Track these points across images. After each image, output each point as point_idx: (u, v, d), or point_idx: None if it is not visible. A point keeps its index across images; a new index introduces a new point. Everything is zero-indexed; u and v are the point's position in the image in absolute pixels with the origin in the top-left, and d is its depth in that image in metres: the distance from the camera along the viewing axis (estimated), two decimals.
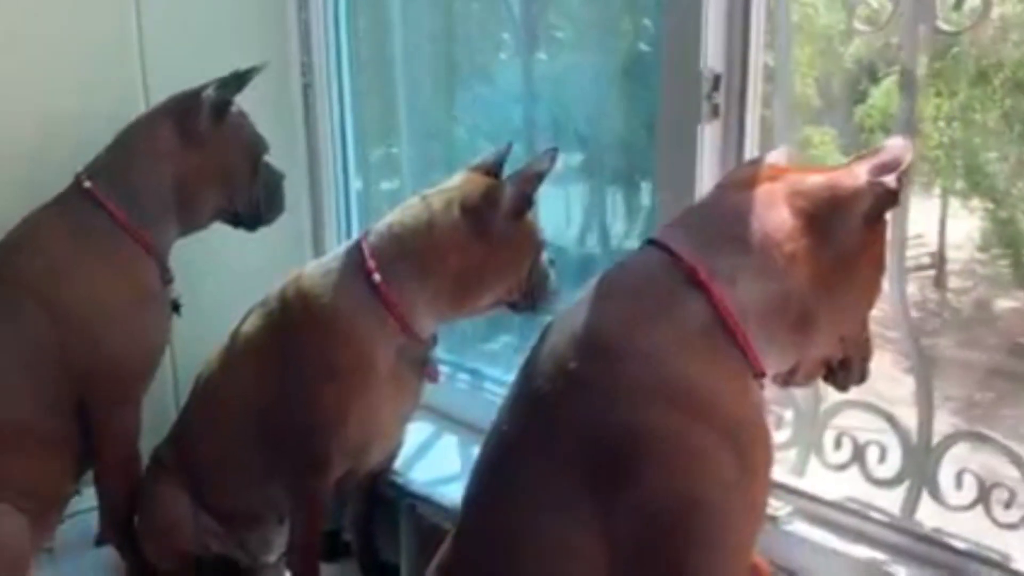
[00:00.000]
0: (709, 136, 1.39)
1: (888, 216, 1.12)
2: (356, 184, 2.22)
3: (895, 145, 1.11)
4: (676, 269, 1.06)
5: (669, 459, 1.01)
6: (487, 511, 1.12)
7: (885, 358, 1.60)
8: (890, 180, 1.07)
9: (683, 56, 1.37)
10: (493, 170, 1.52)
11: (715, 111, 1.38)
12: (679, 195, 1.40)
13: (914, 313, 1.75)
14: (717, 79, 1.37)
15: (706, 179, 1.40)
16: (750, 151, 1.40)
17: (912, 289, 2.21)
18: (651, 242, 1.11)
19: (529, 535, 1.05)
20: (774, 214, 1.07)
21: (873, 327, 1.57)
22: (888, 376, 1.53)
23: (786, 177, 1.11)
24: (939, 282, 2.63)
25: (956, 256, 2.59)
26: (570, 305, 1.12)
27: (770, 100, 1.43)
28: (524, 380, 1.11)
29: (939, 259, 2.61)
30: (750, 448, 1.04)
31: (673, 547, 1.01)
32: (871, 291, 1.16)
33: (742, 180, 1.15)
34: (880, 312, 1.40)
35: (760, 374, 1.08)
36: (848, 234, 1.08)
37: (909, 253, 2.22)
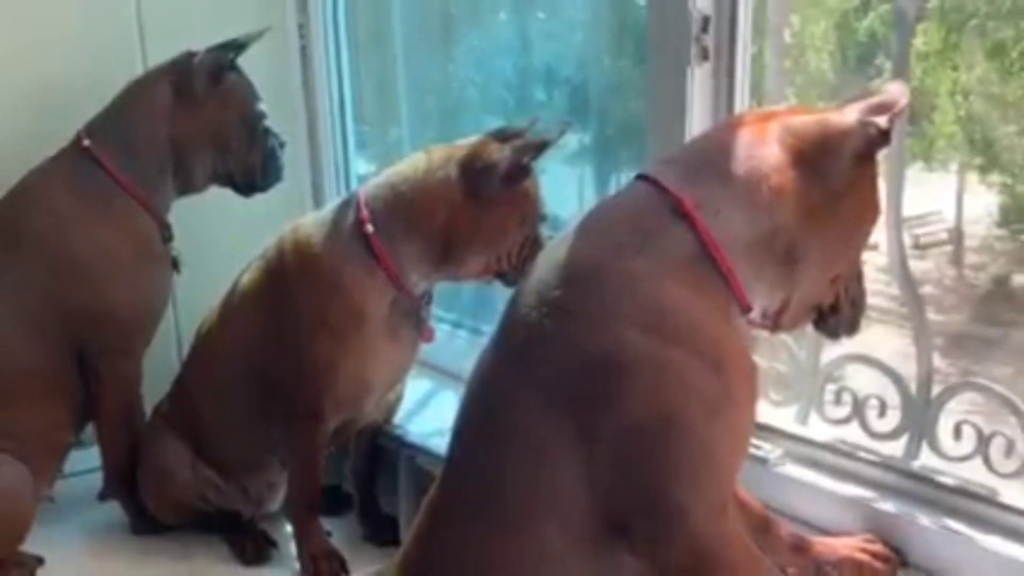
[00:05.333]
0: (699, 79, 1.38)
1: (884, 192, 1.14)
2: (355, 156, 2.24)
3: (892, 88, 1.11)
4: (662, 200, 1.06)
5: (649, 383, 1.01)
6: (473, 441, 1.13)
7: (899, 335, 1.60)
8: (882, 120, 1.07)
9: None
10: (513, 139, 1.49)
11: (704, 53, 1.37)
12: (669, 139, 1.39)
13: (932, 289, 1.73)
14: (706, 21, 1.36)
15: (696, 122, 1.39)
16: (740, 94, 1.39)
17: (929, 265, 2.19)
18: (640, 177, 1.12)
19: (511, 462, 1.06)
20: (763, 149, 1.08)
21: (886, 303, 1.57)
22: (902, 353, 1.51)
23: (779, 118, 1.12)
24: (956, 258, 2.60)
25: (974, 231, 2.55)
26: (558, 238, 1.13)
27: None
28: (510, 311, 1.12)
29: (956, 235, 2.58)
30: (732, 376, 1.04)
31: (652, 472, 1.02)
32: (861, 232, 1.15)
33: (734, 121, 1.16)
34: (895, 288, 1.40)
35: (746, 308, 1.08)
36: (837, 172, 1.08)
37: (926, 229, 2.20)
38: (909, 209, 1.32)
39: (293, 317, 1.55)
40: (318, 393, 1.56)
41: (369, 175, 2.20)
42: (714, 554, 1.03)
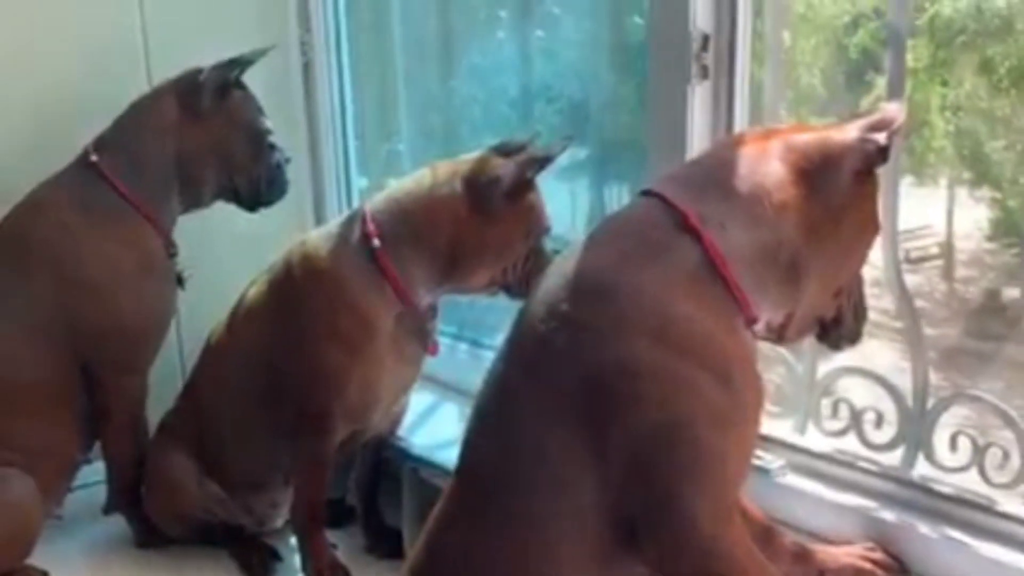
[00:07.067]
0: (699, 97, 1.41)
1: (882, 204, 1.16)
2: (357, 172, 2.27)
3: (889, 108, 1.15)
4: (667, 214, 1.09)
5: (660, 392, 1.03)
6: (484, 451, 1.15)
7: (891, 348, 1.62)
8: (880, 137, 1.10)
9: (672, 17, 1.38)
10: (515, 154, 1.52)
11: (704, 72, 1.40)
12: (669, 156, 1.41)
13: (923, 303, 1.74)
14: (706, 40, 1.39)
15: (696, 140, 1.41)
16: (740, 112, 1.41)
17: (920, 279, 2.20)
18: (645, 193, 1.14)
19: (522, 471, 1.08)
20: (766, 166, 1.11)
21: (881, 318, 1.59)
22: (895, 367, 1.53)
23: (779, 135, 1.15)
24: (947, 272, 2.62)
25: (964, 246, 2.57)
26: (568, 251, 1.15)
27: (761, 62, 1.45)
28: (519, 324, 1.14)
29: (947, 249, 2.60)
30: (740, 387, 1.07)
31: (661, 478, 1.04)
32: (861, 246, 1.18)
33: (737, 139, 1.19)
34: (886, 302, 1.43)
35: (751, 320, 1.10)
36: (838, 188, 1.11)
37: (917, 244, 2.22)
38: (900, 223, 1.34)
39: (300, 330, 1.57)
40: (325, 405, 1.57)
41: (366, 190, 2.23)
42: (723, 560, 1.05)
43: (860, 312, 1.23)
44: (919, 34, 1.54)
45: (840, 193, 1.11)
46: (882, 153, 1.11)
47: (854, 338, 1.24)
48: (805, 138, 1.13)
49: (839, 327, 1.22)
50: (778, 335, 1.18)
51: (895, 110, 1.13)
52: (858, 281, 1.22)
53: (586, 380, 1.05)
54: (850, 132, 1.12)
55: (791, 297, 1.13)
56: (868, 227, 1.17)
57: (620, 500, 1.04)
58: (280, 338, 1.60)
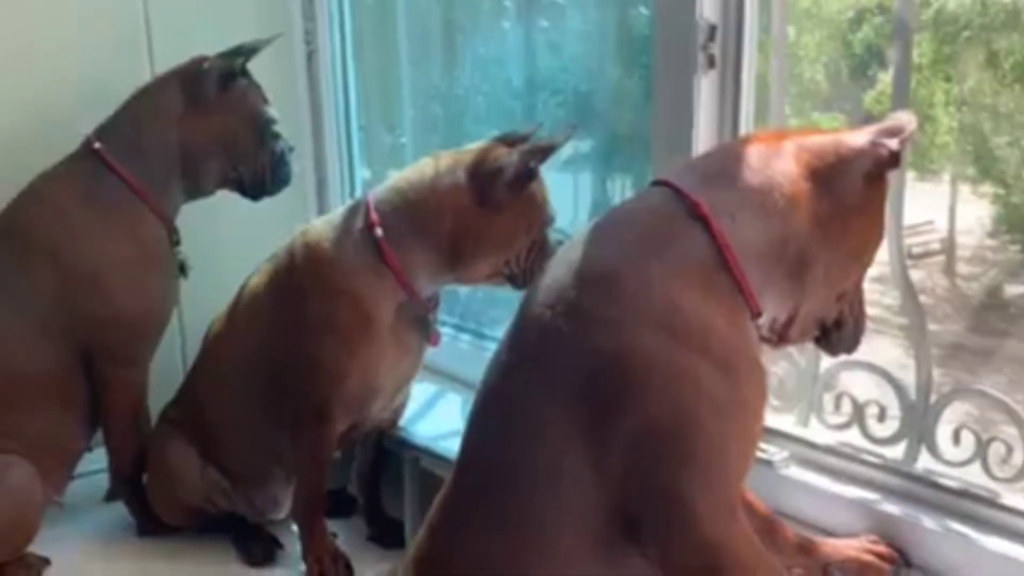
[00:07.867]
0: (706, 87, 1.40)
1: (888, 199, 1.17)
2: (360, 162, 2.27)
3: (900, 116, 1.16)
4: (678, 204, 1.10)
5: (660, 384, 1.03)
6: (486, 438, 1.15)
7: (893, 344, 1.62)
8: (892, 143, 1.11)
9: (678, 6, 1.38)
10: (518, 144, 1.51)
11: (711, 62, 1.39)
12: (675, 147, 1.41)
13: (925, 299, 1.76)
14: (713, 29, 1.38)
15: (702, 131, 1.41)
16: (746, 103, 1.41)
17: (922, 275, 2.20)
18: (656, 183, 1.15)
19: (523, 461, 1.08)
20: (779, 162, 1.12)
21: (882, 313, 1.59)
22: (898, 363, 1.53)
23: (792, 136, 1.16)
24: (949, 268, 2.63)
25: (966, 242, 2.57)
26: (574, 238, 1.15)
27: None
28: (525, 310, 1.14)
29: (949, 245, 2.60)
30: (742, 379, 1.07)
31: (662, 471, 1.03)
32: (866, 251, 1.19)
33: (749, 137, 1.21)
34: (889, 298, 1.42)
35: (756, 313, 1.10)
36: (849, 190, 1.12)
37: (919, 239, 2.22)
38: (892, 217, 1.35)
39: (302, 319, 1.56)
40: (326, 396, 1.57)
41: (368, 181, 2.23)
42: (724, 553, 1.04)
43: (859, 320, 1.23)
44: (923, 29, 1.54)
45: (850, 194, 1.12)
46: (893, 158, 1.12)
47: (851, 346, 1.24)
48: (818, 139, 1.14)
49: (840, 331, 1.22)
50: (780, 335, 1.18)
51: (906, 119, 1.14)
52: (859, 291, 1.23)
53: (588, 371, 1.05)
54: (862, 136, 1.13)
55: (796, 293, 1.13)
56: (874, 232, 1.18)
57: (620, 493, 1.04)
58: (281, 328, 1.59)
